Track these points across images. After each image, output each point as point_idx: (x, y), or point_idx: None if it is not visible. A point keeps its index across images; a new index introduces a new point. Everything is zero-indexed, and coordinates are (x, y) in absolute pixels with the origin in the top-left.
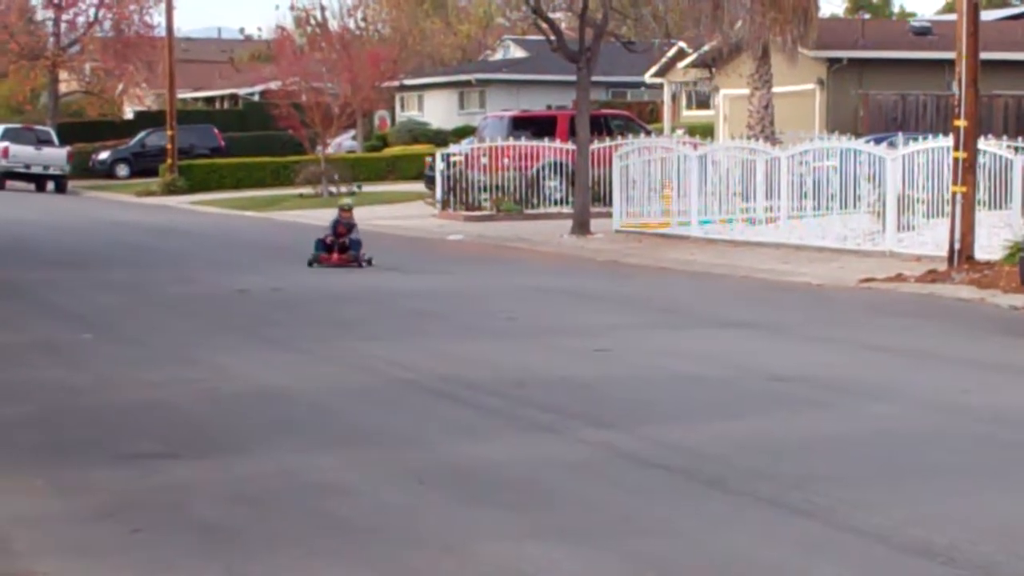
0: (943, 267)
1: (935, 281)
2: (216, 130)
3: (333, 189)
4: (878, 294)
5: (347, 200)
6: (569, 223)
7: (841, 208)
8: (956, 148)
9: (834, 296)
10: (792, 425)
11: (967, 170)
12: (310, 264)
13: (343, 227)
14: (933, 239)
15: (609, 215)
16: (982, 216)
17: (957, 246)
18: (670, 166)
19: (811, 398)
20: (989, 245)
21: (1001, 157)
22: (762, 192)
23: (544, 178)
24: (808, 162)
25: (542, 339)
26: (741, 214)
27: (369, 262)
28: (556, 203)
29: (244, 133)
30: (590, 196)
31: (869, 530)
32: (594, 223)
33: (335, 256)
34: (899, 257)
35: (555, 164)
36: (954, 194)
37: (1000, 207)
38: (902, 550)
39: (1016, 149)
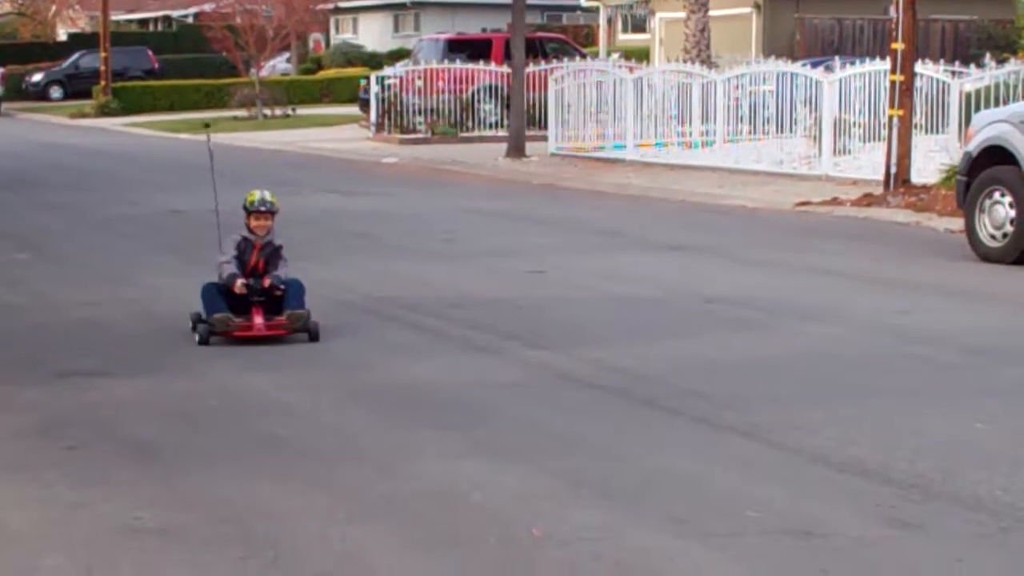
0: (879, 191)
1: (871, 205)
2: (150, 52)
3: (267, 111)
4: (814, 217)
5: (264, 194)
6: (504, 146)
7: (777, 132)
8: (893, 71)
9: (770, 219)
10: (729, 346)
11: (904, 93)
12: (202, 340)
13: (259, 251)
14: (869, 163)
15: (544, 138)
16: (919, 140)
17: (893, 170)
18: (606, 89)
19: (748, 319)
20: (925, 169)
21: (938, 81)
22: (698, 116)
23: (479, 101)
24: (744, 86)
25: (478, 261)
26: (676, 137)
27: (315, 332)
28: (491, 126)
29: (178, 55)
30: (525, 119)
31: (806, 449)
32: (529, 146)
33: (256, 320)
34: (835, 181)
35: (490, 87)
36: (891, 117)
37: (937, 131)
38: (839, 469)
39: (953, 73)
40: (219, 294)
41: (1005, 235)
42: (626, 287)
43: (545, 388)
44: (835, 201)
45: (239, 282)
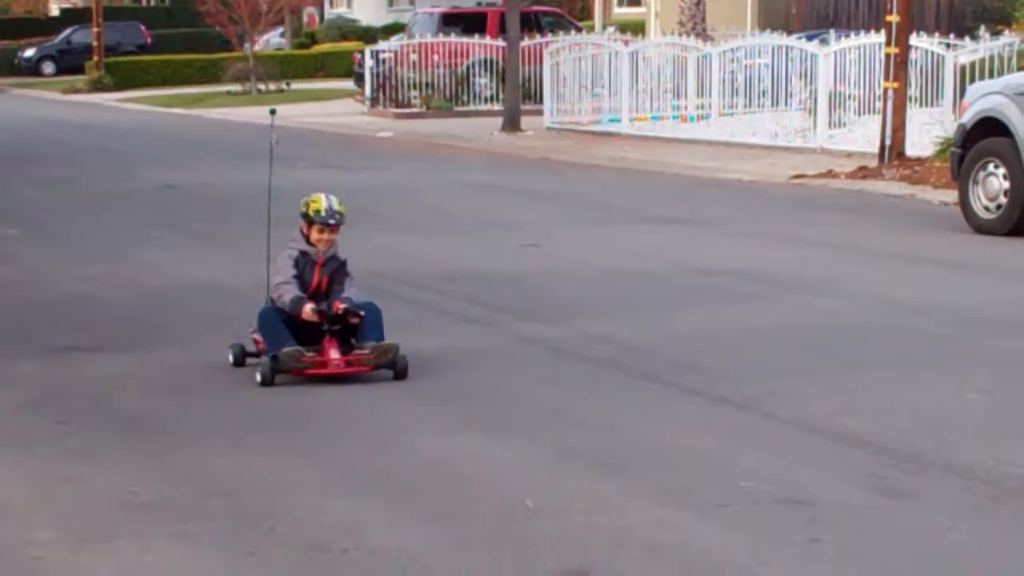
0: (874, 163)
1: (866, 177)
2: (143, 27)
3: (261, 86)
4: (809, 190)
5: (331, 201)
6: (499, 120)
7: (772, 105)
8: (888, 44)
9: (765, 192)
10: (723, 318)
11: (899, 66)
12: (265, 381)
13: (321, 268)
14: (864, 136)
15: (540, 113)
16: (913, 113)
17: (888, 142)
18: (601, 63)
19: (742, 292)
20: (920, 142)
21: (933, 53)
22: (693, 89)
23: (474, 75)
24: (740, 59)
25: (473, 234)
26: (672, 111)
27: (403, 368)
28: (486, 100)
29: (171, 30)
30: (521, 93)
31: (799, 420)
32: (525, 120)
33: (332, 354)
34: (830, 154)
35: (485, 61)
36: (885, 90)
37: (932, 104)
38: (833, 439)
39: (948, 45)
40: (282, 322)
41: (999, 207)
42: (621, 260)
43: (539, 361)
44: (830, 174)
45: (308, 307)
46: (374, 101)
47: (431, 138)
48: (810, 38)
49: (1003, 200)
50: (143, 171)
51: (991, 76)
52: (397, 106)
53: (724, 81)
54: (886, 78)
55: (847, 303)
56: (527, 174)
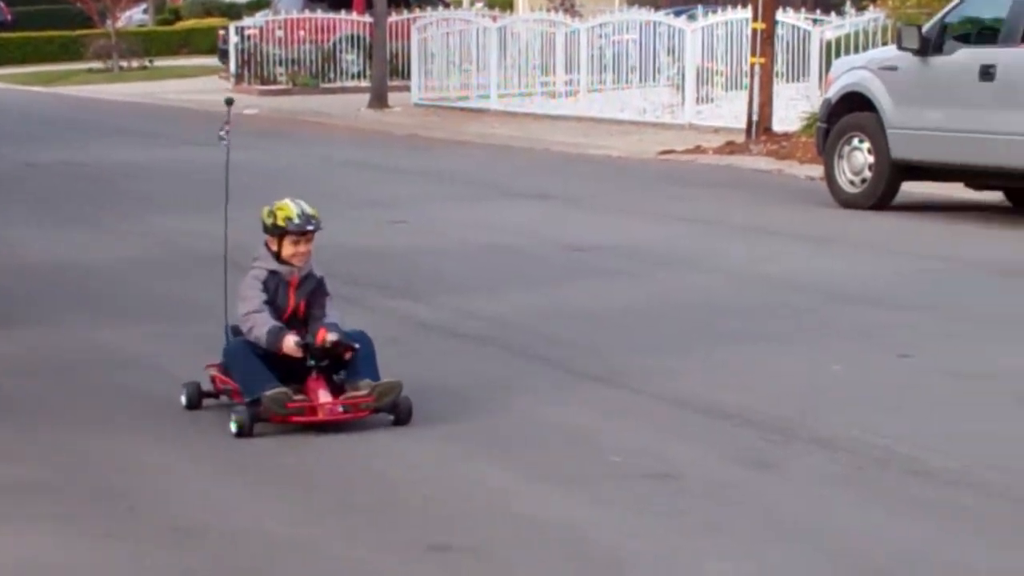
0: (741, 139)
1: (733, 153)
2: (3, 4)
3: (124, 63)
4: (677, 166)
5: (302, 205)
6: (367, 97)
7: (641, 81)
8: (755, 19)
9: (633, 168)
10: (592, 294)
11: (765, 41)
12: (242, 430)
13: (297, 289)
14: (732, 111)
15: (408, 89)
16: (780, 88)
17: (755, 118)
18: (469, 39)
19: (611, 268)
20: (787, 117)
21: (799, 29)
22: (562, 65)
23: (341, 51)
24: (608, 35)
25: (339, 211)
26: (541, 88)
27: (407, 412)
28: (354, 77)
29: (31, 7)
30: (388, 70)
31: (669, 395)
32: (392, 97)
33: (322, 396)
34: (698, 129)
35: (352, 37)
36: (752, 66)
37: (798, 79)
38: (701, 413)
39: (814, 21)
40: (257, 357)
41: (864, 180)
42: (490, 236)
43: (411, 338)
44: (698, 149)
45: (291, 340)
46: (239, 78)
47: (297, 115)
48: (678, 14)
49: (868, 174)
50: (4, 149)
51: (857, 52)
52: (263, 83)
53: (592, 57)
54: (753, 54)
55: (716, 278)
56: (395, 150)
